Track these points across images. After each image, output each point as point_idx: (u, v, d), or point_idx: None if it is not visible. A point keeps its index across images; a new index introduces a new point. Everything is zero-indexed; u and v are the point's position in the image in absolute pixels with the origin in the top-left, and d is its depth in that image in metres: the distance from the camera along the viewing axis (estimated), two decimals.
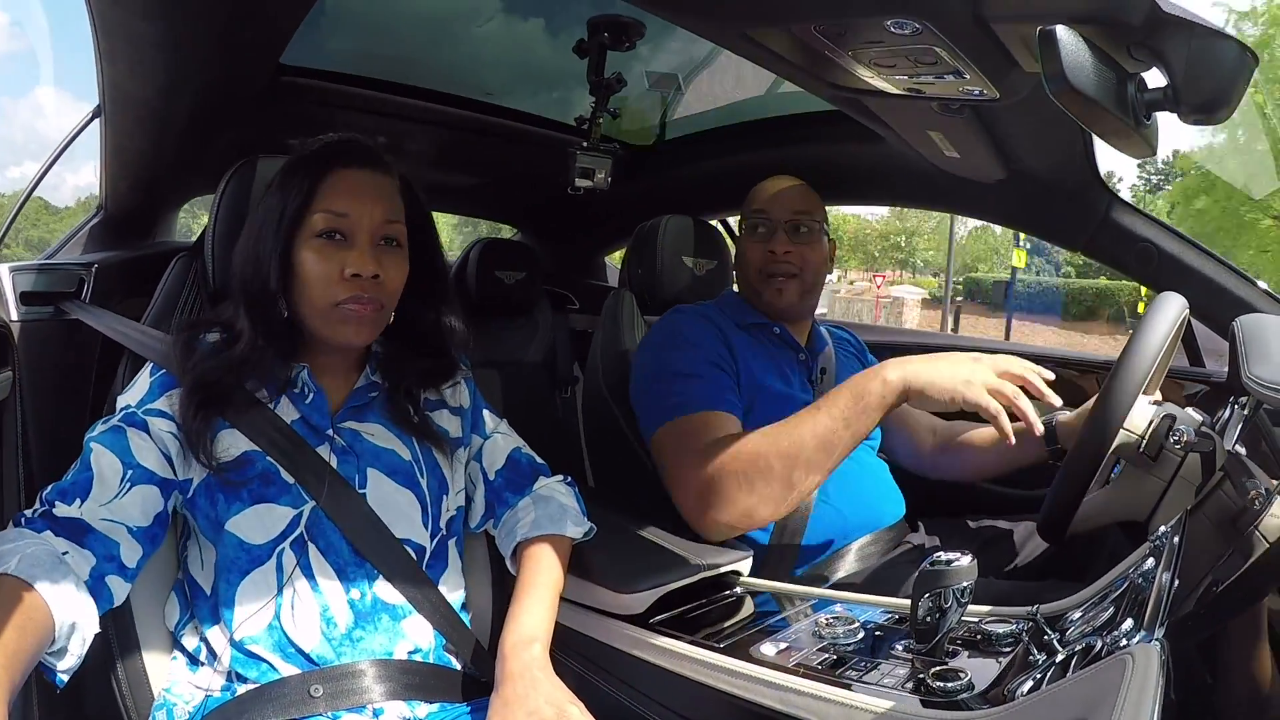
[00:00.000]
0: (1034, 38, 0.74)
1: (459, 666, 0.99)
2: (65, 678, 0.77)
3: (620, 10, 1.55)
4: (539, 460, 1.15)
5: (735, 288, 1.58)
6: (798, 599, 1.12)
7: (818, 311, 1.59)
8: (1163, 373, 1.22)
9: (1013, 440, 1.05)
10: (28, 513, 0.83)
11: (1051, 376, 1.09)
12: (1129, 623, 0.73)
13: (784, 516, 1.24)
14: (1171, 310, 1.05)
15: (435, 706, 0.94)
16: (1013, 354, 1.84)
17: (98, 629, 0.80)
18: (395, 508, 0.97)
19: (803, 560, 1.28)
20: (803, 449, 1.12)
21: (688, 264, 1.67)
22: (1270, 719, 0.86)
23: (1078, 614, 0.87)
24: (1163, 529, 0.86)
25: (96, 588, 0.81)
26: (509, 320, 2.32)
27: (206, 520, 0.92)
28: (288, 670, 0.90)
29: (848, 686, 0.83)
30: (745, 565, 1.18)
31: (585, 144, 1.80)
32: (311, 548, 0.92)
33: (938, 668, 0.83)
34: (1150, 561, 0.82)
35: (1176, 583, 0.74)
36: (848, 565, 1.30)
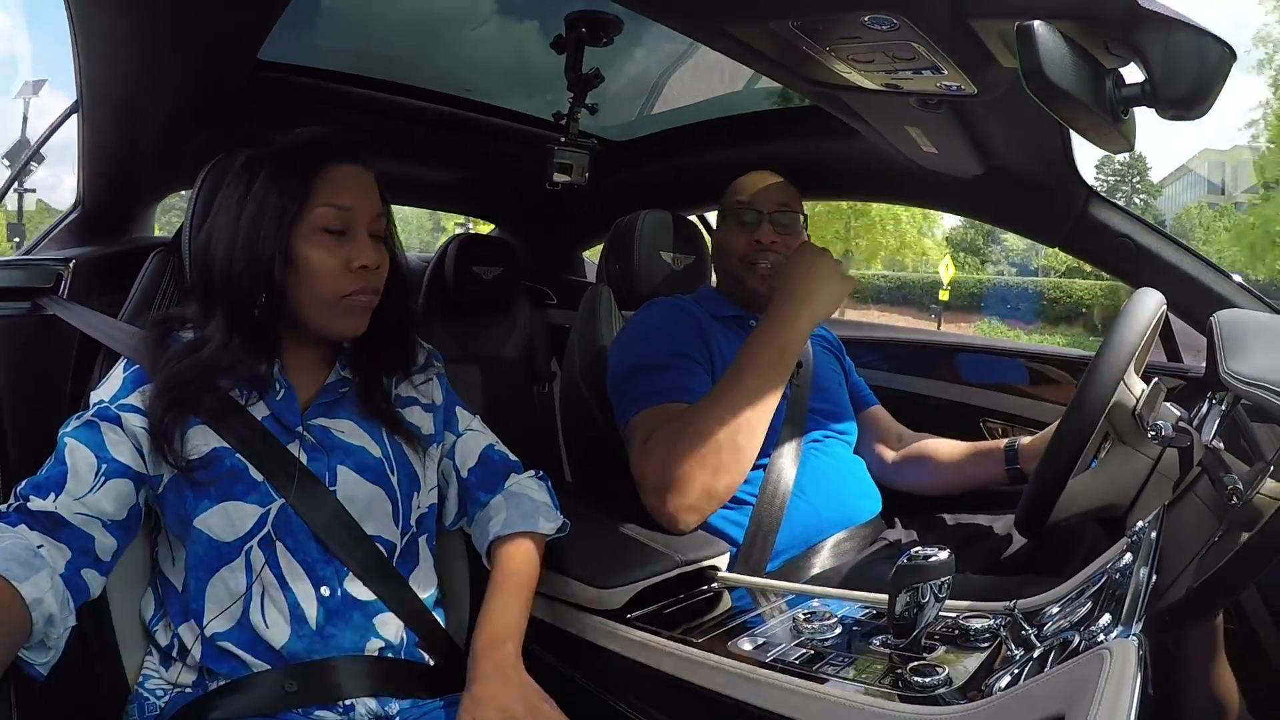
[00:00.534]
0: (1012, 33, 0.74)
1: (431, 662, 1.00)
2: (44, 670, 0.78)
3: (598, 5, 1.54)
4: (512, 457, 1.15)
5: (713, 282, 1.57)
6: (775, 594, 1.12)
7: None
8: (1140, 367, 1.22)
9: None
10: (2, 507, 0.84)
11: None
12: (1106, 618, 0.73)
13: (760, 511, 1.25)
14: (1150, 304, 1.06)
15: (407, 702, 0.95)
16: (994, 350, 1.84)
17: (74, 622, 0.81)
18: (365, 504, 0.97)
19: (778, 555, 1.28)
20: (740, 411, 1.16)
21: (666, 259, 1.65)
22: None
23: (1055, 609, 0.87)
24: (1140, 524, 0.86)
25: (72, 581, 0.82)
26: (487, 316, 2.30)
27: (176, 517, 0.92)
28: (258, 667, 0.90)
29: (825, 681, 0.83)
30: (723, 560, 1.17)
31: (563, 139, 1.80)
32: (279, 545, 0.92)
33: (915, 663, 0.83)
34: (1128, 556, 0.82)
35: (1154, 577, 0.74)
36: (823, 561, 1.29)
